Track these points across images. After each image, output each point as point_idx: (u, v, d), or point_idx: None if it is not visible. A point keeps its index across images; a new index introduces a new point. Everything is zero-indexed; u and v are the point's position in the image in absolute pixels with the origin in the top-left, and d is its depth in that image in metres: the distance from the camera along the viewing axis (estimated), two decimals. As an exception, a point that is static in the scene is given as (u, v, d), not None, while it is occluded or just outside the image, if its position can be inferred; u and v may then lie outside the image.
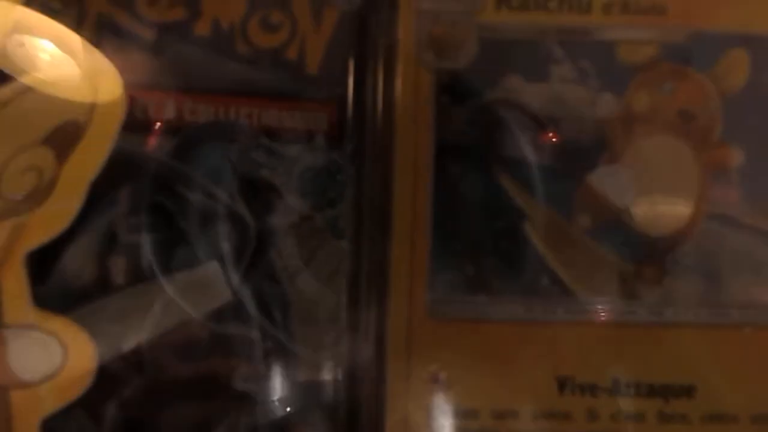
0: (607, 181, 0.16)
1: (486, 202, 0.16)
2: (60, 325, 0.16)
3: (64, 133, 0.16)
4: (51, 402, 0.16)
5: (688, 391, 0.16)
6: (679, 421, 0.15)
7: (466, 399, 0.16)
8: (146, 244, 0.18)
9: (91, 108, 0.16)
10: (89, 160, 0.16)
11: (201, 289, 0.18)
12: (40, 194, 0.16)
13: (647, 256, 0.16)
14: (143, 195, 0.18)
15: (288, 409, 0.18)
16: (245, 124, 0.19)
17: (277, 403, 0.18)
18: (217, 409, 0.18)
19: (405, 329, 0.16)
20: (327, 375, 0.18)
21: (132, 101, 0.18)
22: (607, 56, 0.16)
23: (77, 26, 0.18)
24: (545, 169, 0.16)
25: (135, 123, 0.18)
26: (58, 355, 0.16)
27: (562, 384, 0.16)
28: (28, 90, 0.16)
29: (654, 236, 0.16)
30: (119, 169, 0.18)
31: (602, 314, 0.16)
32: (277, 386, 0.18)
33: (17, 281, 0.16)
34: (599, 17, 0.16)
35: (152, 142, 0.18)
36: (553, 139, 0.16)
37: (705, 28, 0.16)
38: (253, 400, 0.18)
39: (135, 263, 0.18)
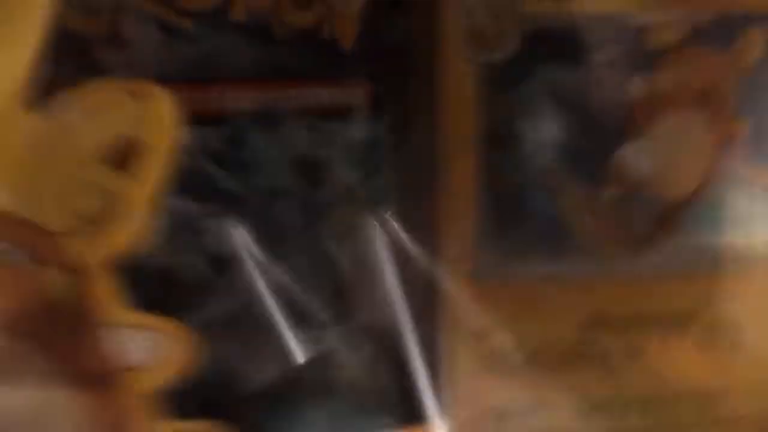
0: (631, 156, 0.15)
1: (525, 179, 0.15)
2: (153, 320, 0.15)
3: (124, 149, 0.13)
4: (158, 380, 0.15)
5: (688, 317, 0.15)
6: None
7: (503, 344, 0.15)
8: (215, 227, 0.16)
9: (150, 125, 0.13)
10: (151, 174, 0.13)
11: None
12: (111, 210, 0.13)
13: (662, 217, 0.15)
14: (206, 182, 0.16)
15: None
16: (288, 106, 0.17)
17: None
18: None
19: (452, 288, 0.15)
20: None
21: (178, 94, 0.15)
22: (637, 41, 0.14)
23: (114, 24, 0.15)
24: (577, 149, 0.15)
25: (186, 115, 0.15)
26: (160, 344, 0.15)
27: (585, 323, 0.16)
28: (78, 109, 0.13)
29: (668, 199, 0.15)
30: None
31: (622, 269, 0.15)
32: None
33: (109, 288, 0.14)
34: (631, 3, 0.14)
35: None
36: (585, 122, 0.14)
37: (728, 10, 0.14)
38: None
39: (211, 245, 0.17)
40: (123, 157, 0.13)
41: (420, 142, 0.15)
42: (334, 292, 0.17)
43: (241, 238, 0.16)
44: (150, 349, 0.14)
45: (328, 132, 0.16)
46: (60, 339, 0.14)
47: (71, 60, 0.13)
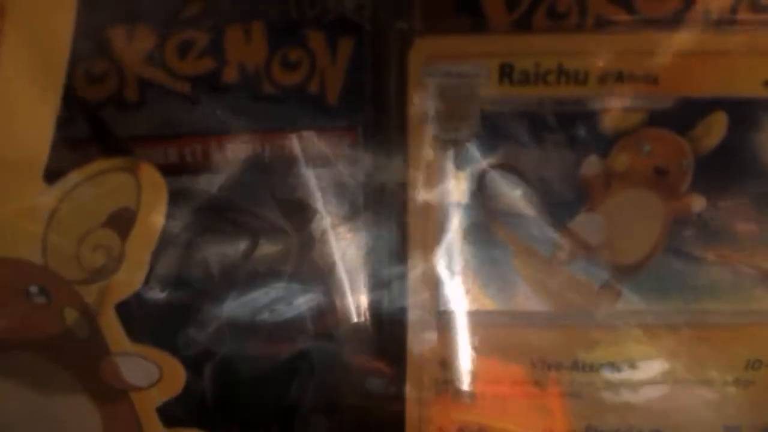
0: (583, 227, 0.15)
1: (483, 245, 0.15)
2: (148, 350, 0.16)
3: (120, 217, 0.15)
4: (159, 396, 0.17)
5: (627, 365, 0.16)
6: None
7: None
8: (212, 259, 0.18)
9: (138, 194, 0.15)
10: (146, 235, 0.15)
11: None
12: (112, 265, 0.15)
13: (609, 281, 0.16)
14: (205, 223, 0.17)
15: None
16: (278, 155, 0.17)
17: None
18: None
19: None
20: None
21: (180, 147, 0.16)
22: (596, 123, 0.14)
23: (120, 89, 0.16)
24: (532, 219, 0.15)
25: (187, 165, 0.17)
26: (156, 371, 0.17)
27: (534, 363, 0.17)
28: (83, 182, 0.15)
29: (616, 266, 0.16)
30: (183, 203, 0.17)
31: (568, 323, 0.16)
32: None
33: (112, 324, 0.16)
34: (594, 88, 0.14)
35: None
36: (541, 195, 0.14)
37: (691, 95, 0.14)
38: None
39: (205, 276, 0.18)
40: (121, 221, 0.14)
41: (394, 186, 0.16)
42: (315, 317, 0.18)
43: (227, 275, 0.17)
44: (147, 373, 0.16)
45: (313, 177, 0.17)
46: (80, 361, 0.16)
47: (85, 125, 0.15)
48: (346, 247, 0.18)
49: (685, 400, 0.16)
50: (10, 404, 0.17)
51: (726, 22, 0.13)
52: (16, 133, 0.13)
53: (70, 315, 0.15)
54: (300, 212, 0.18)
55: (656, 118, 0.14)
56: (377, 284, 0.17)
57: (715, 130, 0.14)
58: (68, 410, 0.17)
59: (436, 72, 0.13)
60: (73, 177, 0.14)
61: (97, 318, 0.15)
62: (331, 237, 0.17)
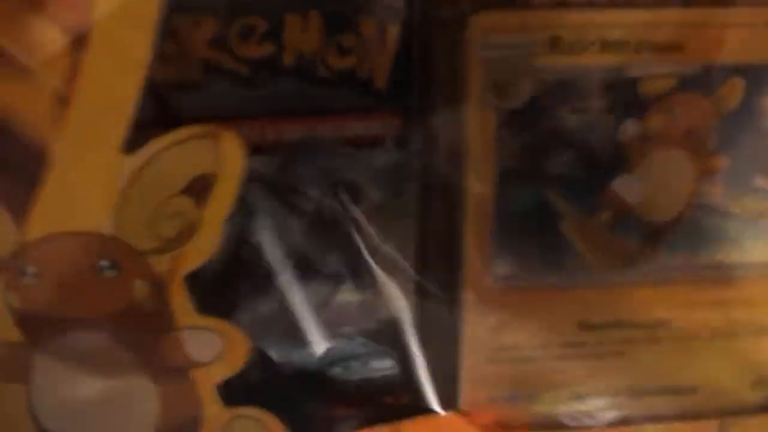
0: (623, 187, 0.17)
1: (534, 207, 0.17)
2: (214, 323, 0.17)
3: (199, 183, 0.15)
4: (220, 372, 0.17)
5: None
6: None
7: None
8: (263, 243, 0.19)
9: (218, 161, 0.15)
10: (222, 202, 0.15)
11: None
12: (187, 233, 0.16)
13: (648, 237, 0.17)
14: (261, 203, 0.18)
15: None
16: (329, 137, 0.18)
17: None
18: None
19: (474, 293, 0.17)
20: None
21: (239, 128, 0.17)
22: (632, 90, 0.16)
23: (185, 71, 0.17)
24: (578, 181, 0.17)
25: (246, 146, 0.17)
26: (219, 344, 0.17)
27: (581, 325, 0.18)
28: (163, 150, 0.15)
29: (654, 223, 0.17)
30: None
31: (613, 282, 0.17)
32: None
33: (181, 296, 0.16)
34: (630, 57, 0.15)
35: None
36: (585, 158, 0.16)
37: (713, 62, 0.16)
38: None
39: (259, 258, 0.19)
40: (199, 188, 0.15)
41: (443, 166, 0.17)
42: (366, 294, 0.19)
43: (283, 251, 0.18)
44: (212, 347, 0.16)
45: (361, 159, 0.18)
46: (143, 338, 0.16)
47: (150, 104, 0.16)
48: (393, 227, 0.18)
49: (720, 351, 0.17)
50: (67, 390, 0.17)
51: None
52: (98, 106, 0.14)
53: (140, 288, 0.16)
54: (349, 193, 0.18)
55: (684, 84, 0.15)
56: (427, 261, 0.18)
57: (733, 93, 0.15)
58: (125, 391, 0.17)
59: (493, 45, 0.14)
60: (154, 145, 0.14)
61: (167, 290, 0.16)
62: (379, 217, 0.18)
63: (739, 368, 0.18)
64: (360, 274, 0.19)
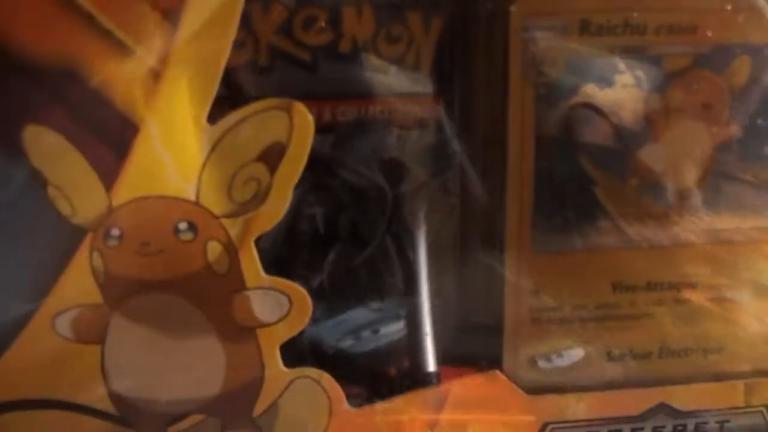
0: (649, 156, 0.18)
1: (569, 175, 0.18)
2: (281, 283, 0.18)
3: (272, 151, 0.17)
4: (284, 332, 0.18)
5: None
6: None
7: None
8: (318, 214, 0.20)
9: (290, 130, 0.17)
10: (292, 169, 0.17)
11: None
12: (260, 197, 0.17)
13: (673, 202, 0.19)
14: (316, 178, 0.19)
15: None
16: (380, 118, 0.20)
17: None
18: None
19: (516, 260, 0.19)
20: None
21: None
22: (655, 66, 0.18)
23: (255, 55, 0.19)
24: (609, 150, 0.18)
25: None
26: (286, 304, 0.18)
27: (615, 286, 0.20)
28: (242, 121, 0.17)
29: (677, 189, 0.19)
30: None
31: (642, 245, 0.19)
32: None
33: (251, 258, 0.18)
34: (652, 38, 0.17)
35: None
36: (615, 129, 0.18)
37: (722, 42, 0.18)
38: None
39: (314, 228, 0.20)
40: (272, 156, 0.16)
41: (482, 145, 0.19)
42: (409, 265, 0.20)
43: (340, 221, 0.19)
44: (279, 307, 0.18)
45: (407, 139, 0.20)
46: (214, 298, 0.17)
47: (223, 84, 0.17)
48: (436, 201, 0.20)
49: (745, 312, 0.19)
50: (139, 350, 0.18)
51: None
52: (186, 82, 0.16)
53: (213, 249, 0.17)
54: (395, 170, 0.20)
55: (699, 62, 0.17)
56: (468, 231, 0.20)
57: (742, 71, 0.17)
58: (194, 351, 0.18)
59: (532, 28, 0.16)
60: (233, 116, 0.16)
61: (238, 252, 0.17)
62: (423, 192, 0.20)
63: (765, 329, 0.20)
64: (403, 247, 0.21)
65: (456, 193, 0.20)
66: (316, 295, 0.18)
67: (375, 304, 0.21)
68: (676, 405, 0.20)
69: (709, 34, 0.17)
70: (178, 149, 0.16)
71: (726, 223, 0.18)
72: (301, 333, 0.18)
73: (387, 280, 0.20)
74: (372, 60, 0.19)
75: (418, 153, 0.20)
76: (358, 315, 0.21)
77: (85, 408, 0.18)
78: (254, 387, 0.18)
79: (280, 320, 0.18)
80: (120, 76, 0.16)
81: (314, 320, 0.19)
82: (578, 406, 0.19)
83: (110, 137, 0.16)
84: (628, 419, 0.20)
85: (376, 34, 0.19)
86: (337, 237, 0.20)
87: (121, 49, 0.15)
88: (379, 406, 0.19)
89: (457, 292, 0.20)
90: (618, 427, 0.20)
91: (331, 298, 0.20)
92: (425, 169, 0.20)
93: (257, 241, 0.18)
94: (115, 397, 0.18)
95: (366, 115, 0.19)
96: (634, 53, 0.17)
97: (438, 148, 0.20)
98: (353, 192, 0.20)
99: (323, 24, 0.18)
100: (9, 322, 0.17)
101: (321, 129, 0.19)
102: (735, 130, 0.18)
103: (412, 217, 0.20)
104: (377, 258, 0.20)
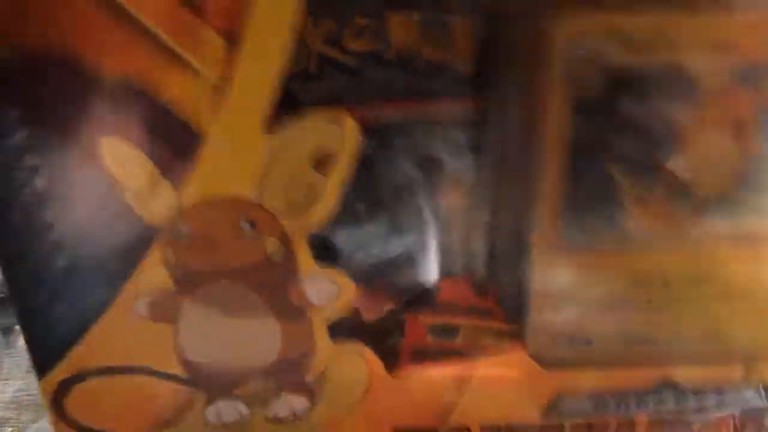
0: (677, 165, 0.19)
1: (599, 180, 0.19)
2: (331, 272, 0.20)
3: (324, 159, 0.18)
4: (332, 314, 0.20)
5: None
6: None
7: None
8: (362, 209, 0.21)
9: (341, 140, 0.18)
10: (341, 174, 0.18)
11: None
12: (313, 199, 0.19)
13: (696, 209, 0.20)
14: (359, 176, 0.20)
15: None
16: (420, 119, 0.21)
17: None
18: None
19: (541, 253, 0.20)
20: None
21: (350, 112, 0.20)
22: (689, 83, 0.18)
23: (307, 63, 0.20)
24: (638, 159, 0.19)
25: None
26: (335, 290, 0.20)
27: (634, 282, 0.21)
28: (298, 131, 0.18)
29: (702, 196, 0.19)
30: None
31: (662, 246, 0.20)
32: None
33: (304, 251, 0.19)
34: (688, 53, 0.18)
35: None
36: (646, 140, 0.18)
37: (759, 59, 0.18)
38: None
39: (357, 223, 0.22)
40: (324, 162, 0.17)
41: (516, 147, 0.20)
42: (444, 253, 0.22)
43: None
44: (327, 292, 0.19)
45: (447, 137, 0.20)
46: (272, 285, 0.19)
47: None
48: (470, 195, 0.21)
49: (750, 306, 0.20)
50: (208, 328, 0.20)
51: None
52: (246, 95, 0.17)
53: (272, 244, 0.19)
54: (433, 167, 0.21)
55: (735, 78, 0.17)
56: (499, 226, 0.21)
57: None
58: (255, 329, 0.20)
59: (572, 46, 0.17)
60: (292, 127, 0.17)
61: (293, 245, 0.19)
62: (459, 187, 0.21)
63: (765, 320, 0.21)
64: (438, 235, 0.22)
65: (491, 188, 0.21)
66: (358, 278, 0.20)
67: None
68: (680, 382, 0.21)
69: (746, 51, 0.17)
70: (239, 156, 0.18)
71: (745, 228, 0.19)
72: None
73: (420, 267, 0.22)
74: (416, 65, 0.19)
75: (457, 150, 0.21)
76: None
77: (160, 373, 0.20)
78: (306, 358, 0.20)
79: (328, 304, 0.20)
80: (186, 93, 0.17)
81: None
82: (590, 380, 0.21)
83: (179, 147, 0.17)
84: (634, 392, 0.22)
85: (420, 40, 0.19)
86: (378, 229, 0.21)
87: (188, 69, 0.16)
88: (413, 370, 0.21)
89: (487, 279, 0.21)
90: (625, 398, 0.22)
91: (371, 280, 0.21)
92: (462, 164, 0.21)
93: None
94: (187, 365, 0.20)
95: (408, 115, 0.20)
96: (671, 69, 0.17)
97: (475, 146, 0.21)
98: (394, 188, 0.21)
99: (369, 33, 0.18)
100: (94, 304, 0.19)
101: (365, 131, 0.20)
102: (762, 144, 0.18)
103: (449, 209, 0.21)
104: (413, 247, 0.21)
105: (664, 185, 0.19)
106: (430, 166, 0.21)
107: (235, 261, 0.19)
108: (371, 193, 0.21)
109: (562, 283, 0.20)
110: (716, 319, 0.21)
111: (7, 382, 0.28)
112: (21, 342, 0.31)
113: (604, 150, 0.18)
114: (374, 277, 0.21)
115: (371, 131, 0.20)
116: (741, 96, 0.18)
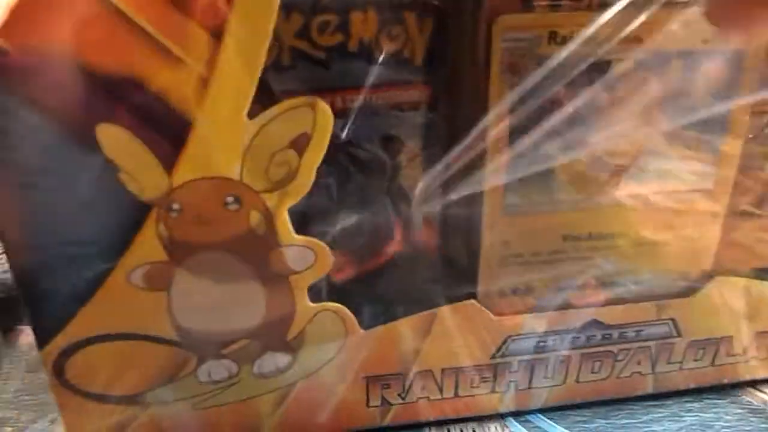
0: (596, 138, 0.22)
1: (535, 153, 0.22)
2: (307, 241, 0.22)
3: (300, 139, 0.20)
4: (310, 278, 0.22)
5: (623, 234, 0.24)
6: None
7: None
8: (332, 183, 0.23)
9: (314, 123, 0.20)
10: (316, 153, 0.20)
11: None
12: (290, 176, 0.20)
13: (613, 174, 0.23)
14: (329, 154, 0.23)
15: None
16: (381, 103, 0.23)
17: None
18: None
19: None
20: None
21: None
22: (606, 69, 0.21)
23: (278, 57, 0.21)
24: (566, 133, 0.22)
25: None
26: (312, 256, 0.22)
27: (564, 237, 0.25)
28: (275, 116, 0.20)
29: (617, 164, 0.23)
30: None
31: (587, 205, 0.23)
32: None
33: (284, 223, 0.21)
34: (604, 46, 0.21)
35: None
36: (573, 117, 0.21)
37: (661, 49, 0.21)
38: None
39: (328, 196, 0.24)
40: (300, 143, 0.20)
41: (464, 127, 0.22)
42: (405, 221, 0.24)
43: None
44: (305, 259, 0.22)
45: (404, 119, 0.23)
46: (256, 254, 0.21)
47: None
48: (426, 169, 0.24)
49: (659, 254, 0.24)
50: (199, 294, 0.21)
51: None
52: (230, 84, 0.18)
53: (255, 217, 0.21)
54: (394, 145, 0.23)
55: (642, 66, 0.21)
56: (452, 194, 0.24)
57: (675, 73, 0.21)
58: (241, 293, 0.22)
59: (508, 39, 0.19)
60: (269, 113, 0.19)
61: (274, 218, 0.21)
62: (417, 162, 0.23)
63: (672, 266, 0.25)
64: (399, 205, 0.25)
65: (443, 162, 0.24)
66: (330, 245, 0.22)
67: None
68: (605, 320, 0.25)
69: (651, 43, 0.20)
70: (224, 140, 0.19)
71: (651, 188, 0.23)
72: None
73: (385, 233, 0.24)
74: (376, 55, 0.21)
75: (413, 130, 0.23)
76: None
77: (155, 338, 0.22)
78: (288, 319, 0.23)
79: (307, 269, 0.22)
80: (175, 83, 0.18)
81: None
82: (533, 324, 0.24)
83: (169, 132, 0.19)
84: (568, 331, 0.25)
85: (378, 33, 0.21)
86: (347, 201, 0.23)
87: (175, 61, 0.18)
88: (383, 328, 0.24)
89: (442, 241, 0.24)
90: (561, 337, 0.25)
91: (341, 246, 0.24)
92: (418, 143, 0.23)
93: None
94: (179, 330, 0.22)
95: (371, 101, 0.22)
96: (590, 59, 0.20)
97: (428, 127, 0.23)
98: (360, 164, 0.23)
99: (335, 27, 0.21)
100: (93, 275, 0.21)
101: (334, 115, 0.22)
102: (663, 117, 0.22)
103: (408, 182, 0.24)
104: (379, 215, 0.24)
105: (587, 156, 0.22)
106: (391, 144, 0.24)
107: (222, 233, 0.21)
108: (341, 169, 0.23)
109: (506, 243, 0.23)
110: (629, 266, 0.25)
111: (7, 382, 0.28)
112: (21, 342, 0.31)
113: (538, 126, 0.21)
114: (343, 243, 0.23)
115: (339, 115, 0.22)
116: (647, 80, 0.21)
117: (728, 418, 0.26)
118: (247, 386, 0.24)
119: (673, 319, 0.26)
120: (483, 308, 0.24)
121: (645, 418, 0.26)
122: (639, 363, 0.27)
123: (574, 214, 0.23)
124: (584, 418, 0.26)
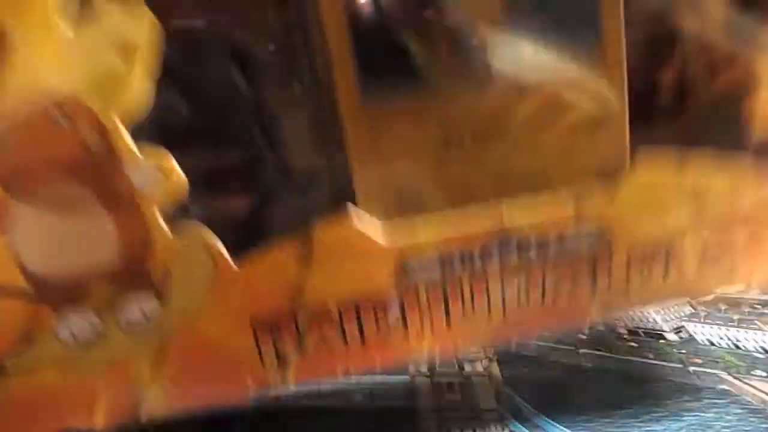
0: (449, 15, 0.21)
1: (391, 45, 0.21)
2: (156, 156, 0.20)
3: (128, 49, 0.20)
4: (162, 202, 0.20)
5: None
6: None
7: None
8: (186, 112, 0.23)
9: (141, 32, 0.19)
10: (146, 63, 0.19)
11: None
12: (122, 87, 0.20)
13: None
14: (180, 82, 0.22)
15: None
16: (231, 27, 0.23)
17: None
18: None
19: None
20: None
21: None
22: None
23: None
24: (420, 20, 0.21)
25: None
26: (159, 176, 0.20)
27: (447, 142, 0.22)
28: (98, 27, 0.19)
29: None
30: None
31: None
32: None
33: (124, 140, 0.20)
34: None
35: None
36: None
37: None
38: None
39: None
40: (126, 52, 0.19)
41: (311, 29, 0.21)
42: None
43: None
44: (152, 178, 0.20)
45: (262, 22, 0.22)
46: (98, 178, 0.20)
47: None
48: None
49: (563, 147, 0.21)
50: (43, 231, 0.20)
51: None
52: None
53: (90, 135, 0.19)
54: (246, 60, 0.22)
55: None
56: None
57: None
58: (88, 225, 0.20)
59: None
60: (91, 21, 0.18)
61: (111, 134, 0.19)
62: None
63: (578, 158, 0.22)
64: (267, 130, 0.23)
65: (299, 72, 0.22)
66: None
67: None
68: (518, 233, 0.22)
69: None
70: (45, 54, 0.19)
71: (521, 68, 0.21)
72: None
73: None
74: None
75: (267, 40, 0.22)
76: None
77: (2, 289, 0.20)
78: (145, 252, 0.21)
79: (157, 191, 0.20)
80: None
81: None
82: (429, 241, 0.22)
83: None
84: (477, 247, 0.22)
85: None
86: (208, 131, 0.22)
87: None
88: (258, 259, 0.21)
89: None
90: (470, 255, 0.22)
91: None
92: (274, 54, 0.22)
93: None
94: (29, 276, 0.20)
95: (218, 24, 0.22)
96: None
97: (284, 33, 0.22)
98: (213, 85, 0.22)
99: None
100: None
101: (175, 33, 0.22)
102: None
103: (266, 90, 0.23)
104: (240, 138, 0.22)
105: (445, 36, 0.21)
106: (243, 60, 0.23)
107: (56, 155, 0.19)
108: (191, 90, 0.22)
109: (363, 144, 0.21)
110: (532, 159, 0.22)
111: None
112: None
113: (392, 20, 0.20)
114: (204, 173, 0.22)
115: (180, 32, 0.22)
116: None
117: (728, 418, 0.25)
118: (115, 343, 0.21)
119: (601, 224, 0.23)
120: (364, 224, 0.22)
121: (645, 417, 0.26)
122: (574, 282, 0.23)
123: (449, 105, 0.21)
124: (584, 418, 0.27)
